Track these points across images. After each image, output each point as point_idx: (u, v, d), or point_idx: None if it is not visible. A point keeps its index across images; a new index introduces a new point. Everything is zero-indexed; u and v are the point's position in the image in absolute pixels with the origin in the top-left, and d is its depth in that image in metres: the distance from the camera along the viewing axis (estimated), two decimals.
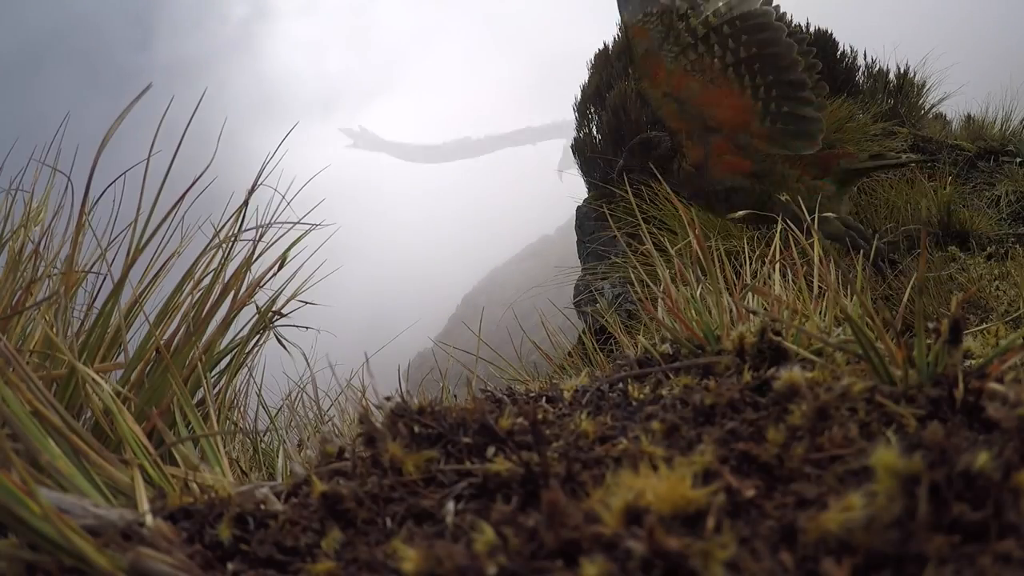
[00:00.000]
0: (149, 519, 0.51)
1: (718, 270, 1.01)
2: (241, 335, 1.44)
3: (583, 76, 5.54)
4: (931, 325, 0.62)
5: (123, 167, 1.27)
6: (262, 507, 0.54)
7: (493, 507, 0.50)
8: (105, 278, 1.23)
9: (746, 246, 1.70)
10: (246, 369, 1.55)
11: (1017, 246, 2.76)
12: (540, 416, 0.68)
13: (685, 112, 2.10)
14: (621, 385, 0.76)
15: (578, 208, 4.99)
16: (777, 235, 1.36)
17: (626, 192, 1.90)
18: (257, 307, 1.44)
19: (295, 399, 1.78)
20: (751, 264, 1.47)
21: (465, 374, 1.66)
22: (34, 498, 0.46)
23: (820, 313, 0.98)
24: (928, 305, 2.08)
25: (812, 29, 5.04)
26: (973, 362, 0.63)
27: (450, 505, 0.52)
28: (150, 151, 1.13)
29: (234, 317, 1.30)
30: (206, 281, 1.30)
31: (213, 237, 1.36)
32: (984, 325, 1.55)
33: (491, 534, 0.44)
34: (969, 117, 5.38)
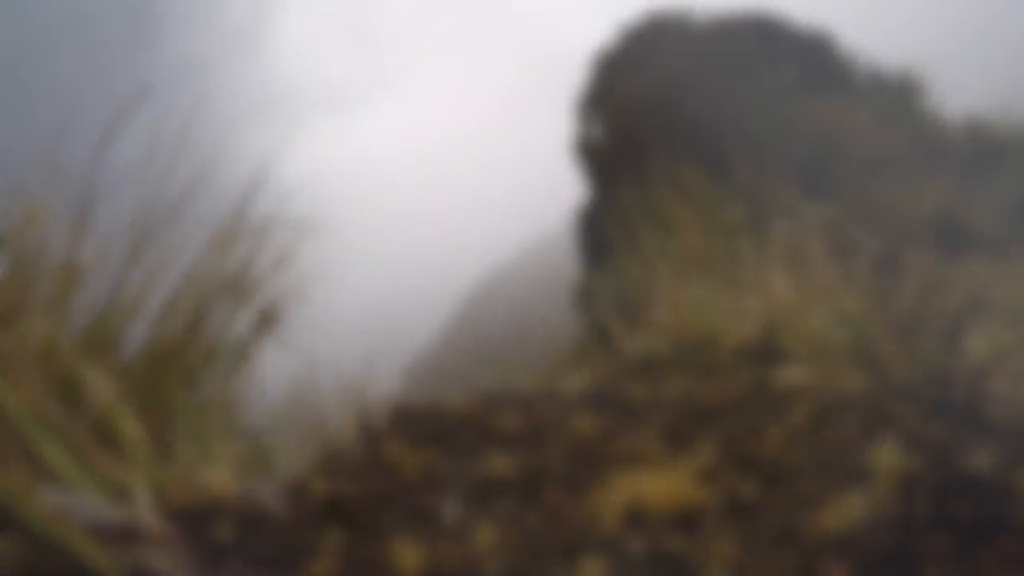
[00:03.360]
0: (149, 519, 0.51)
1: (718, 270, 1.01)
2: (241, 335, 1.44)
3: (583, 76, 5.54)
4: (931, 325, 0.62)
5: (123, 167, 1.26)
6: (262, 507, 0.54)
7: (493, 507, 0.50)
8: (105, 278, 1.23)
9: (746, 246, 1.70)
10: (246, 369, 1.54)
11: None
12: (540, 416, 0.68)
13: None
14: (621, 385, 0.76)
15: (578, 208, 4.99)
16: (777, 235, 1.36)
17: (627, 192, 1.90)
18: (257, 307, 1.44)
19: (295, 399, 1.77)
20: (751, 264, 1.47)
21: (465, 373, 1.65)
22: (34, 498, 0.46)
23: (820, 313, 0.98)
24: (928, 305, 2.08)
25: (812, 29, 5.03)
26: (973, 362, 0.63)
27: (450, 505, 0.52)
28: (150, 151, 1.13)
29: (234, 317, 1.30)
30: (206, 281, 1.30)
31: (213, 237, 1.36)
32: (984, 325, 1.55)
33: (491, 534, 0.44)
34: (969, 117, 5.37)
